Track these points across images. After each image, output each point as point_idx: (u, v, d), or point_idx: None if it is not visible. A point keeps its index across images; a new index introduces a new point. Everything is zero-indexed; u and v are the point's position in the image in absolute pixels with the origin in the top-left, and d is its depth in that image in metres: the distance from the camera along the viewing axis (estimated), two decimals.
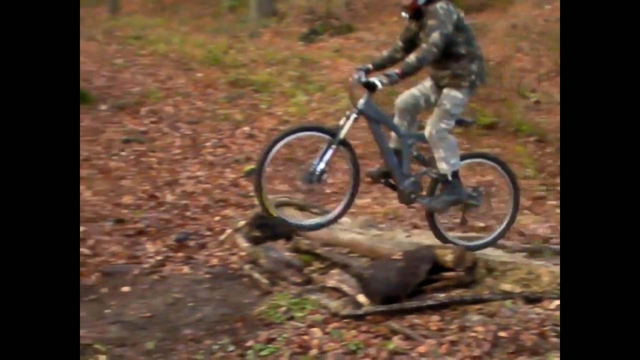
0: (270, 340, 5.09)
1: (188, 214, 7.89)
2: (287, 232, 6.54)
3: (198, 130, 10.67)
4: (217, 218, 7.80)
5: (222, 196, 8.39)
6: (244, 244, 6.67)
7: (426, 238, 6.05)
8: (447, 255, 5.56)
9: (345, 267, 6.00)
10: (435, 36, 5.42)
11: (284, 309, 5.50)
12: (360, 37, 16.41)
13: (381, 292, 5.40)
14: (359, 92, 5.71)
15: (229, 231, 7.01)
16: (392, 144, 5.81)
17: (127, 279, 6.32)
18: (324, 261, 6.29)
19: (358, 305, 5.47)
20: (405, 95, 5.87)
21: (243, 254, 6.64)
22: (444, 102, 5.65)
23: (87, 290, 6.17)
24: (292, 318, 5.39)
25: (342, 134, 5.56)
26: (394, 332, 5.07)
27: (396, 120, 5.84)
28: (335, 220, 5.91)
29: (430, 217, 5.93)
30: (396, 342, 4.92)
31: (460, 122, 5.88)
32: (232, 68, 13.66)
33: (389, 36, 15.12)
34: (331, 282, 5.82)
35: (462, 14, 5.62)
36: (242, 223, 6.94)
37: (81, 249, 6.71)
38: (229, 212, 7.92)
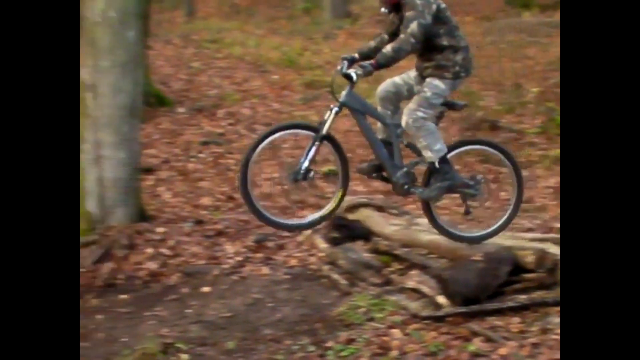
0: (350, 341, 5.09)
1: None
2: (365, 233, 6.54)
3: None
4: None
5: (300, 197, 8.39)
6: (322, 244, 6.67)
7: (506, 239, 5.96)
8: (528, 257, 5.47)
9: (424, 268, 5.96)
10: (413, 27, 5.27)
11: (363, 309, 5.48)
12: None
13: (461, 294, 5.35)
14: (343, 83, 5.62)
15: (307, 232, 7.02)
16: (380, 135, 5.68)
17: (207, 279, 6.39)
18: (403, 262, 6.26)
19: (438, 306, 5.43)
20: (386, 84, 5.73)
21: (322, 254, 6.65)
22: (425, 89, 5.48)
23: (169, 290, 6.27)
24: (371, 319, 5.37)
25: (325, 129, 5.46)
26: (475, 334, 5.02)
27: (379, 109, 5.70)
28: (321, 221, 5.86)
29: (426, 208, 5.75)
30: (477, 344, 4.88)
31: (450, 106, 5.70)
32: (307, 70, 13.71)
33: (466, 36, 14.97)
34: (410, 283, 5.79)
35: (443, 5, 5.46)
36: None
37: (162, 250, 6.81)
38: (306, 213, 7.91)
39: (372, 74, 5.42)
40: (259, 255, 6.89)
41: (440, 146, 5.50)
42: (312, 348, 5.07)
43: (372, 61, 5.36)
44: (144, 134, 9.19)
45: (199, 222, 7.53)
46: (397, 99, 5.72)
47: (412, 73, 5.70)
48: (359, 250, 6.45)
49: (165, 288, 6.30)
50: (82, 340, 5.66)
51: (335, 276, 6.20)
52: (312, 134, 5.50)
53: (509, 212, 5.89)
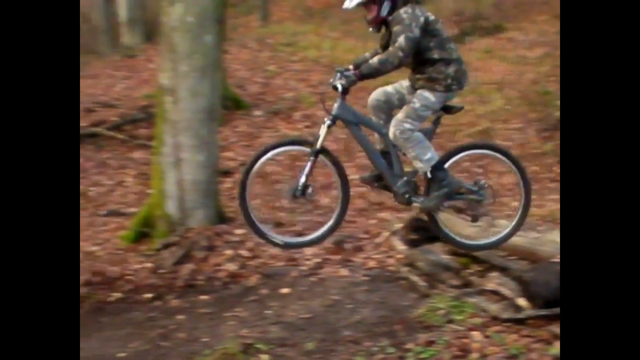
0: (430, 343, 5.07)
1: (345, 217, 7.91)
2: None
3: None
4: (373, 221, 7.81)
5: (378, 199, 8.39)
6: (400, 246, 6.65)
7: None
8: None
9: (504, 270, 5.89)
10: (401, 40, 5.10)
11: (442, 311, 5.46)
12: (510, 37, 16.07)
13: (542, 296, 5.27)
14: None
15: (385, 234, 7.01)
16: (378, 145, 5.52)
17: (286, 280, 6.44)
18: (482, 264, 6.19)
19: (518, 308, 5.38)
20: (377, 93, 5.53)
21: (400, 256, 6.63)
22: (414, 100, 5.28)
23: (248, 291, 6.34)
24: (451, 321, 5.35)
25: (319, 143, 5.30)
26: (556, 337, 4.93)
27: (373, 119, 5.53)
28: (324, 238, 5.64)
29: (430, 217, 5.55)
30: (558, 347, 4.78)
31: (447, 110, 5.43)
32: None
33: (540, 35, 14.80)
34: (490, 285, 5.74)
35: (431, 18, 5.26)
36: (398, 226, 6.90)
37: (241, 251, 6.89)
38: (385, 215, 7.91)
39: (356, 84, 5.22)
40: (337, 257, 6.91)
41: (430, 155, 5.31)
42: (391, 350, 5.06)
43: (357, 71, 5.20)
44: (222, 137, 9.31)
45: (278, 225, 7.57)
46: (388, 107, 5.56)
47: (405, 83, 5.54)
48: (438, 252, 6.42)
49: (244, 289, 6.36)
50: (164, 340, 5.78)
51: (414, 278, 6.18)
52: (307, 149, 5.37)
53: (517, 218, 5.56)
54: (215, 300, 6.35)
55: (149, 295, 6.61)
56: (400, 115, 5.28)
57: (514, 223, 5.52)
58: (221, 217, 7.42)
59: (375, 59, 5.18)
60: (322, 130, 5.30)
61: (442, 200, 5.38)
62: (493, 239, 5.58)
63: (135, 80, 13.29)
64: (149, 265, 7.02)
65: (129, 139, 11.90)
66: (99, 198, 9.74)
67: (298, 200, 5.39)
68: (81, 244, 8.31)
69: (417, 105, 5.24)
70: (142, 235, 7.62)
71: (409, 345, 5.07)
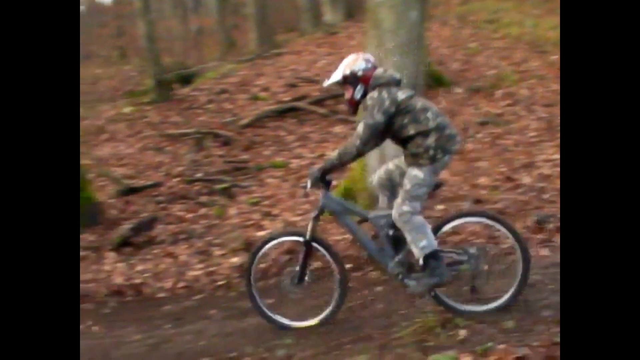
0: None
1: (545, 196, 7.75)
2: None
3: (554, 112, 10.46)
4: None
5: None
6: None
7: None
8: None
9: None
10: (359, 128, 5.24)
11: None
12: None
13: None
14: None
15: None
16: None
17: (486, 258, 6.37)
18: None
19: None
20: (379, 171, 5.75)
21: None
22: (405, 181, 5.32)
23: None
24: None
25: (308, 235, 5.64)
26: None
27: (380, 198, 5.75)
28: (327, 320, 5.79)
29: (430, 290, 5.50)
30: None
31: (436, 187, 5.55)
32: None
33: None
34: None
35: (403, 96, 5.26)
36: None
37: None
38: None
39: (324, 179, 5.55)
40: (539, 236, 6.77)
41: (425, 243, 5.25)
42: None
43: (319, 166, 5.51)
44: None
45: (478, 202, 7.52)
46: (391, 184, 5.65)
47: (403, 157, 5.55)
48: None
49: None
50: (362, 310, 5.90)
51: None
52: (300, 239, 5.72)
53: (514, 286, 5.43)
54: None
55: (349, 266, 6.75)
56: (398, 198, 5.34)
57: (513, 289, 5.43)
58: None
59: (335, 151, 5.40)
60: (310, 223, 5.66)
61: (431, 289, 5.42)
62: (490, 305, 5.46)
63: (337, 57, 13.50)
64: (348, 236, 7.14)
65: (330, 113, 12.18)
66: (301, 170, 10.04)
67: (298, 289, 5.80)
68: (283, 214, 8.62)
69: (409, 186, 5.28)
70: None
71: None
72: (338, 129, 11.53)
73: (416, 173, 5.27)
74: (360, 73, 5.40)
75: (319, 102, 12.67)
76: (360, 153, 5.38)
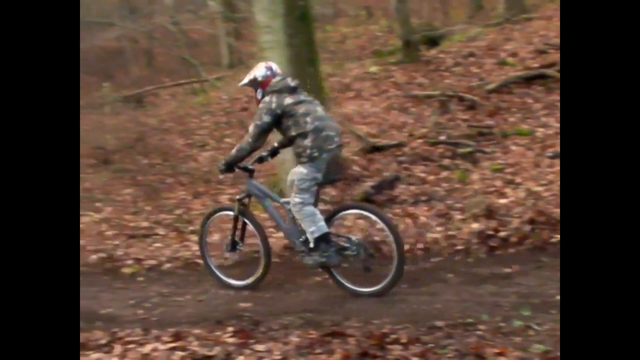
0: None
1: None
2: None
3: None
4: None
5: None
6: None
7: None
8: None
9: None
10: (250, 128, 6.37)
11: None
12: None
13: None
14: None
15: None
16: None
17: None
18: None
19: None
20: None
21: None
22: (293, 177, 6.34)
23: None
24: None
25: (235, 211, 6.94)
26: None
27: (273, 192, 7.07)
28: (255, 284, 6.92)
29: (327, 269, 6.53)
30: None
31: (331, 181, 6.95)
32: None
33: None
34: None
35: (289, 101, 6.28)
36: None
37: None
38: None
39: (224, 173, 6.78)
40: None
41: (314, 228, 6.23)
42: None
43: (223, 160, 6.65)
44: None
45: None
46: None
47: None
48: None
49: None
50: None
51: None
52: (230, 213, 7.02)
53: (393, 270, 6.15)
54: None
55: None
56: (292, 192, 6.33)
57: (392, 273, 6.17)
58: None
59: (235, 148, 6.52)
60: (236, 203, 6.94)
61: (318, 265, 6.44)
62: (375, 287, 6.28)
63: None
64: None
65: None
66: (547, 139, 9.79)
67: (232, 253, 7.12)
68: (526, 182, 8.47)
69: (296, 181, 6.29)
70: None
71: None
72: None
73: (299, 169, 6.28)
74: (260, 79, 6.53)
75: None
76: (253, 149, 6.44)
